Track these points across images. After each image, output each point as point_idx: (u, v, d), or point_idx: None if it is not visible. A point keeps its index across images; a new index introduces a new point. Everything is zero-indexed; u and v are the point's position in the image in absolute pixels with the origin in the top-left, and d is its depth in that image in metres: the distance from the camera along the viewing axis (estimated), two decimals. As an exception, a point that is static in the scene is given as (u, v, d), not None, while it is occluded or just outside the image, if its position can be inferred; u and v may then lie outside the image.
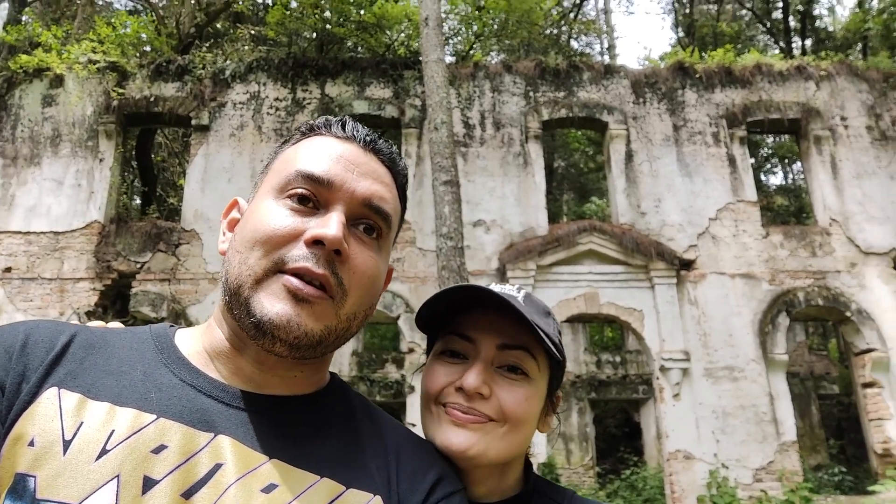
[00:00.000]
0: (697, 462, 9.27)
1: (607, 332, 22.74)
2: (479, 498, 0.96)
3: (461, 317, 0.98)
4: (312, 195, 0.81)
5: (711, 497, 8.95)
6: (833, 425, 18.59)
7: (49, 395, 0.74)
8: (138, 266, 10.10)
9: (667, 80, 11.38)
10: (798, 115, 11.15)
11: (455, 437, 0.90)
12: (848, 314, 9.97)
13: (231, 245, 0.84)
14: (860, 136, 11.11)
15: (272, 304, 0.76)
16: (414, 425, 9.07)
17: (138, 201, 16.89)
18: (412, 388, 9.63)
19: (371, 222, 0.84)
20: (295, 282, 0.76)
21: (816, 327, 21.24)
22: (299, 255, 0.77)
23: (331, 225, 0.78)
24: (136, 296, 9.94)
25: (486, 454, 0.91)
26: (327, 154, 0.84)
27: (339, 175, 0.82)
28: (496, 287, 1.01)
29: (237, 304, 0.79)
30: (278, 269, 0.77)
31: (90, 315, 9.74)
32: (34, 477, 0.68)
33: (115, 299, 10.22)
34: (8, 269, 9.96)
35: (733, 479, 9.15)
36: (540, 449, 9.36)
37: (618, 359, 19.17)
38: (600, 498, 14.23)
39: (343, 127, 0.89)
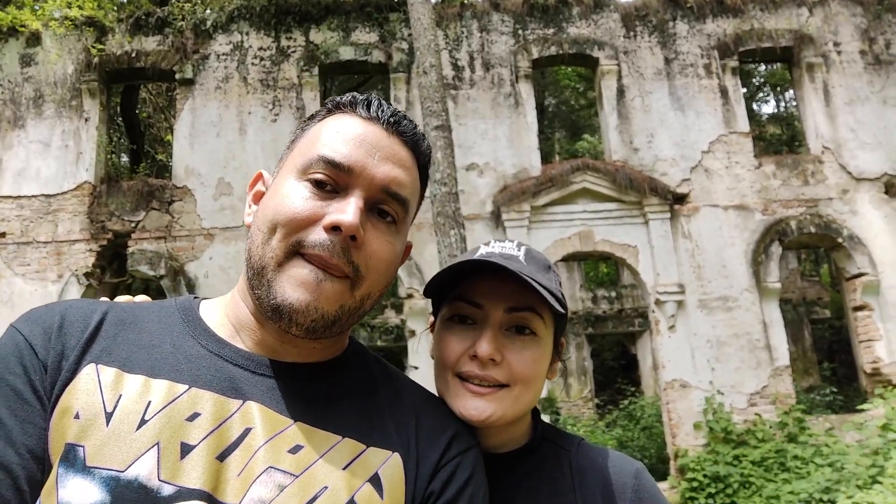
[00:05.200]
0: (693, 390, 9.54)
1: (602, 268, 22.94)
2: (491, 449, 1.03)
3: (467, 282, 1.02)
4: (331, 180, 0.84)
5: (707, 422, 9.27)
6: (825, 348, 19.04)
7: (88, 371, 0.79)
8: (133, 225, 10.09)
9: (657, 13, 11.14)
10: (790, 43, 10.97)
11: (473, 409, 0.96)
12: (840, 240, 10.09)
13: (255, 221, 0.88)
14: (853, 61, 10.97)
15: (294, 289, 0.81)
16: (417, 368, 9.28)
17: (126, 159, 16.72)
18: (412, 333, 9.81)
19: (387, 208, 0.87)
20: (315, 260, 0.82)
21: (809, 254, 21.46)
22: (316, 241, 0.81)
23: (348, 211, 0.81)
24: (133, 255, 9.96)
25: (504, 417, 0.98)
26: (350, 137, 0.87)
27: (360, 161, 0.85)
28: (497, 245, 1.06)
29: (259, 285, 0.84)
30: (296, 251, 0.82)
31: (89, 276, 9.79)
32: (83, 447, 0.74)
33: (113, 259, 10.25)
34: (2, 235, 9.94)
35: (728, 405, 9.45)
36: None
37: (613, 294, 19.43)
38: (599, 427, 14.67)
39: (368, 107, 0.90)
